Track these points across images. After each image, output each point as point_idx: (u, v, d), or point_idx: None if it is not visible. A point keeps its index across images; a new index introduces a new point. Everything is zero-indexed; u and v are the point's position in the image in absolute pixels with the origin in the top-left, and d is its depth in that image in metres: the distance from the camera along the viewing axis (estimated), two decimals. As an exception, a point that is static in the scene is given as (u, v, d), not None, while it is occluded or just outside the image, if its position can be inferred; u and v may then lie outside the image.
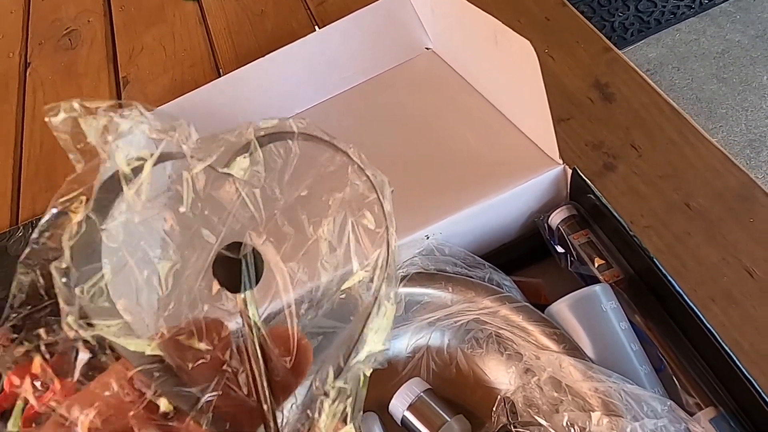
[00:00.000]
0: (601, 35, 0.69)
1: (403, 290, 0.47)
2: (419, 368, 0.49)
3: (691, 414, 0.38)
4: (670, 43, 1.82)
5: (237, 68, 0.72)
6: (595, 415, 0.38)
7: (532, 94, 0.48)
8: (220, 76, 0.77)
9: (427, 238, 0.49)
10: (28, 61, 0.98)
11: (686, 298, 0.40)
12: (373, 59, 0.72)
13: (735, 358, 0.38)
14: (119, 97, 0.86)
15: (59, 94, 0.90)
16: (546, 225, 0.49)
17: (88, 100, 0.22)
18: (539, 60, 0.44)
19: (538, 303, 0.45)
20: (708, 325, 0.39)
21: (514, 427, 0.43)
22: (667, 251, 0.52)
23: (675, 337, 0.42)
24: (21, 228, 0.73)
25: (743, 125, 1.62)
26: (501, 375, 0.46)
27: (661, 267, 0.41)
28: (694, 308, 0.39)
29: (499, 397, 0.45)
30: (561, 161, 0.48)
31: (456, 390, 0.47)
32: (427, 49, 0.70)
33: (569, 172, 0.48)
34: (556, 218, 0.49)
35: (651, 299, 0.44)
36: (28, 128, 0.87)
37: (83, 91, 0.88)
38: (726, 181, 0.55)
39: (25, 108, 0.90)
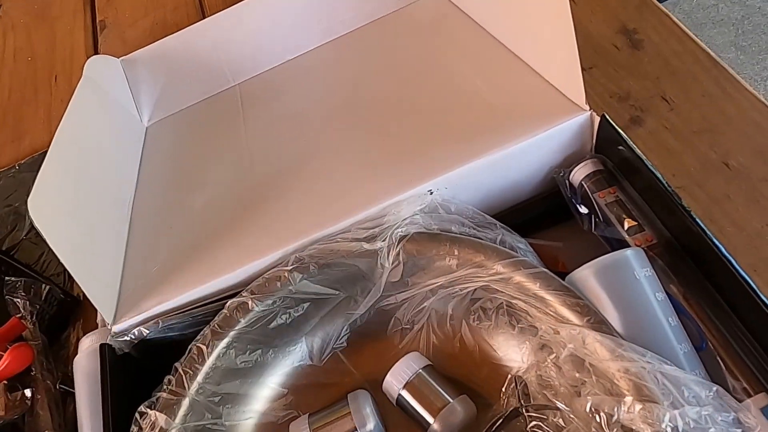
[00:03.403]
0: (629, -24, 0.62)
1: (402, 252, 0.41)
2: (418, 341, 0.43)
3: (739, 401, 0.32)
4: (687, 8, 1.74)
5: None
6: (627, 401, 0.32)
7: (556, 30, 0.41)
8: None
9: (431, 193, 0.42)
10: (-1, 3, 0.90)
11: (735, 264, 0.34)
12: (375, 0, 0.65)
13: (793, 337, 0.32)
14: (96, 42, 0.79)
15: (32, 39, 0.82)
16: (567, 181, 0.43)
17: None
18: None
19: (555, 270, 0.39)
20: (762, 296, 0.33)
21: (527, 410, 0.37)
22: (703, 215, 0.46)
23: (719, 310, 0.36)
24: (-16, 180, 0.66)
25: (762, 96, 1.54)
26: (512, 351, 0.40)
27: (705, 229, 0.35)
28: (745, 276, 0.33)
29: (509, 376, 0.39)
30: (588, 107, 0.42)
31: (459, 367, 0.42)
32: (434, -11, 0.63)
33: (596, 120, 0.42)
34: (579, 173, 0.42)
35: (690, 267, 0.38)
36: (-3, 75, 0.80)
37: (57, 35, 0.81)
38: (770, 137, 0.49)
39: (-6, 53, 0.83)
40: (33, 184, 0.62)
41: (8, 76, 0.79)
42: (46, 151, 0.66)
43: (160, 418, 0.37)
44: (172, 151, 0.60)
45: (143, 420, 0.37)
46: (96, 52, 0.78)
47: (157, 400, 0.38)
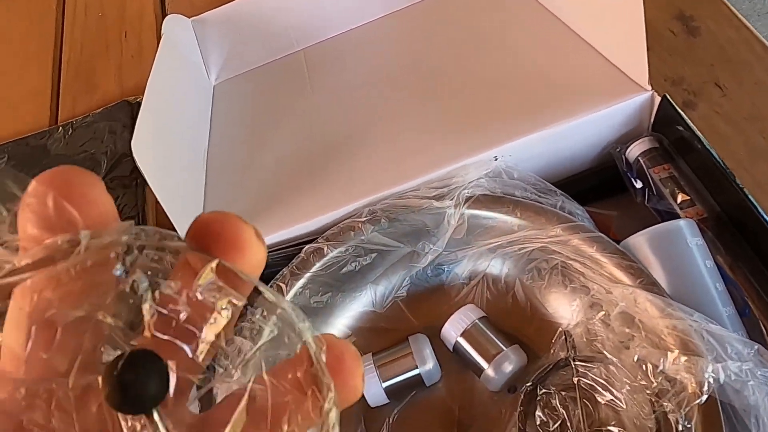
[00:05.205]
0: (689, -37, 0.64)
1: (467, 212, 0.44)
2: (473, 296, 0.46)
3: (777, 362, 0.36)
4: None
5: (291, -25, 0.67)
6: (672, 354, 0.35)
7: (624, 10, 0.44)
8: (272, -16, 0.73)
9: (496, 159, 0.45)
10: (69, -40, 0.94)
11: (783, 239, 0.37)
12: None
13: (831, 307, 0.35)
14: (163, 3, 0.83)
15: (101, -4, 0.86)
16: (624, 157, 0.46)
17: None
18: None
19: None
20: (805, 270, 0.35)
21: (574, 361, 0.40)
22: (748, 197, 0.49)
23: (763, 280, 0.39)
24: (61, 128, 0.71)
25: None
26: (561, 309, 0.44)
27: (756, 204, 0.38)
28: (791, 251, 0.36)
29: (559, 330, 0.42)
30: (650, 87, 0.44)
31: (510, 321, 0.45)
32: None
33: (657, 99, 0.44)
34: (635, 150, 0.45)
35: (737, 239, 0.40)
36: (69, 29, 0.84)
37: (126, -7, 0.85)
38: (819, 127, 0.51)
39: (66, 8, 0.87)
40: (118, 131, 0.66)
41: (80, 31, 0.83)
42: (117, 102, 0.70)
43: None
44: (241, 110, 0.64)
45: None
46: (164, 11, 0.81)
47: (241, 329, 0.42)
